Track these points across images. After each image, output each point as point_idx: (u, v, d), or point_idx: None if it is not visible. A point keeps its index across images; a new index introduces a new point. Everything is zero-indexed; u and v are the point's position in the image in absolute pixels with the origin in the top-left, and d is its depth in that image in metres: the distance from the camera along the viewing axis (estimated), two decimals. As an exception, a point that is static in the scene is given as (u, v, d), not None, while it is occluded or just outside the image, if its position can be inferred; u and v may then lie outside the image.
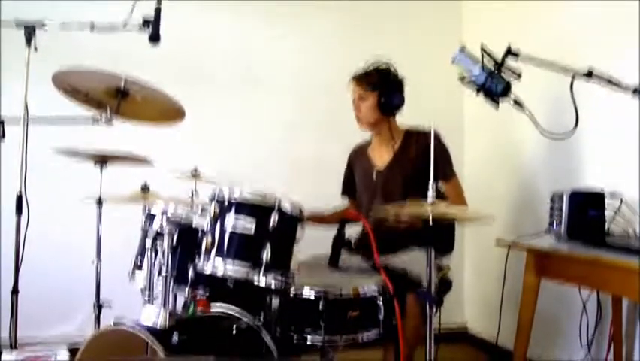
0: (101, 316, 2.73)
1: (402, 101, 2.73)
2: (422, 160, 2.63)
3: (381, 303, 2.00)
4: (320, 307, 1.94)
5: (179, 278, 2.07)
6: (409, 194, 2.63)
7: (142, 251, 2.20)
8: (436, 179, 2.51)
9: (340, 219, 2.15)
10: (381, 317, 1.99)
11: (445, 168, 2.68)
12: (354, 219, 2.55)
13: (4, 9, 3.10)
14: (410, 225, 2.34)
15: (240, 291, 2.20)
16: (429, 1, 3.89)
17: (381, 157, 2.82)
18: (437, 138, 2.65)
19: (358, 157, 2.94)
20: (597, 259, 2.01)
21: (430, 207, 1.81)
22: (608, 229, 2.39)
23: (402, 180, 2.70)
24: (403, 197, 2.63)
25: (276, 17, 3.72)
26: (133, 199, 2.59)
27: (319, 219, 2.77)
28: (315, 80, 3.72)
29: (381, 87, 2.70)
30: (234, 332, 2.00)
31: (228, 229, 1.91)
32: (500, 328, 2.66)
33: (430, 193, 1.85)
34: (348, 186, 3.00)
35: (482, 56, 1.91)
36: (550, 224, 2.41)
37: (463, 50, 1.98)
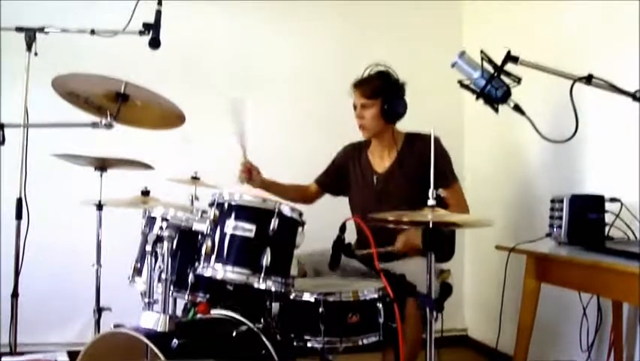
0: (101, 320, 2.73)
1: (405, 109, 2.69)
2: (423, 165, 2.62)
3: (381, 307, 1.99)
4: (320, 310, 1.94)
5: (179, 282, 2.07)
6: (409, 199, 2.62)
7: (142, 255, 2.20)
8: (437, 186, 2.51)
9: (341, 224, 2.13)
10: (381, 320, 1.99)
11: (446, 174, 2.68)
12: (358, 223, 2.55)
13: (5, 14, 3.11)
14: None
15: (239, 295, 2.21)
16: (429, 4, 3.90)
17: (381, 161, 2.80)
18: (437, 143, 2.65)
19: (355, 158, 2.89)
20: (597, 263, 2.01)
21: (431, 213, 1.81)
22: (608, 233, 2.39)
23: (402, 185, 2.68)
24: (404, 202, 2.62)
25: (276, 19, 3.72)
26: (133, 204, 2.60)
27: (270, 186, 2.80)
28: (315, 82, 3.72)
29: (384, 94, 2.66)
30: (234, 335, 2.00)
31: (228, 233, 1.91)
32: (500, 332, 2.66)
33: (431, 198, 1.84)
34: (327, 181, 2.97)
35: (482, 60, 1.91)
36: (551, 228, 2.42)
37: (462, 54, 1.99)
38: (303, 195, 2.93)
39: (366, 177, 2.82)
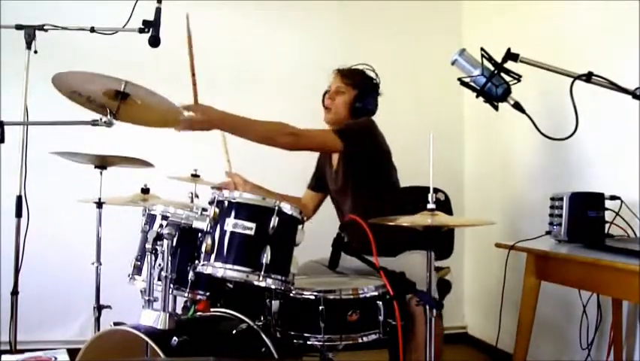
0: (101, 318, 2.73)
1: (374, 110, 2.75)
2: (357, 148, 2.58)
3: (381, 305, 2.00)
4: (320, 308, 1.94)
5: (179, 280, 2.07)
6: (361, 185, 2.62)
7: (142, 253, 2.20)
8: None
9: (341, 223, 2.14)
10: (381, 318, 1.99)
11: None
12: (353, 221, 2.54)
13: (5, 12, 3.11)
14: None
15: (239, 293, 2.21)
16: (429, 3, 3.90)
17: (336, 156, 2.79)
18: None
19: (327, 158, 2.88)
20: (597, 261, 2.00)
21: (431, 216, 1.82)
22: (608, 231, 2.39)
23: (349, 174, 2.67)
24: (359, 190, 2.63)
25: (276, 18, 3.72)
26: (133, 201, 2.60)
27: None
28: (315, 81, 3.71)
29: (361, 88, 2.72)
30: (234, 333, 2.00)
31: (228, 231, 1.91)
32: (500, 330, 2.66)
33: (430, 199, 1.85)
34: (313, 182, 2.99)
35: (482, 58, 1.91)
36: (550, 226, 2.42)
37: (462, 52, 1.99)
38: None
39: (330, 174, 2.82)
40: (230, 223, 1.91)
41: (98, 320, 2.72)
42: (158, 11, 2.29)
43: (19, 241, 2.47)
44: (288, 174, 3.49)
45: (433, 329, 1.79)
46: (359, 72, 2.76)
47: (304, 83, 3.72)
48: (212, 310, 2.14)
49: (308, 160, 3.50)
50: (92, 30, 2.44)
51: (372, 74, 2.77)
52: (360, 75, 2.75)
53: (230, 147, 3.43)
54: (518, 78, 1.91)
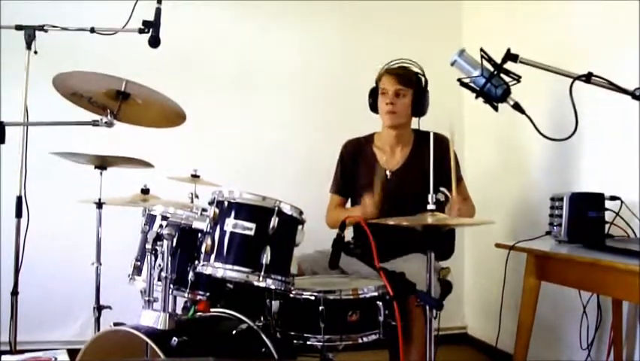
0: (101, 318, 2.73)
1: (428, 106, 2.75)
2: (437, 164, 2.56)
3: (381, 305, 2.00)
4: (320, 308, 1.94)
5: (179, 280, 2.07)
6: (421, 197, 2.57)
7: (142, 253, 2.20)
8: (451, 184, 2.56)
9: (341, 223, 2.12)
10: (381, 319, 1.99)
11: (460, 172, 2.73)
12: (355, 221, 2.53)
13: (5, 12, 3.11)
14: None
15: (240, 293, 2.21)
16: (429, 3, 3.89)
17: (392, 157, 2.76)
18: (447, 142, 2.68)
19: (359, 154, 2.80)
20: (597, 261, 2.01)
21: (433, 215, 1.83)
22: (608, 231, 2.39)
23: (416, 182, 2.58)
24: (418, 199, 2.58)
25: (275, 18, 3.72)
26: (133, 202, 2.60)
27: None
28: (315, 81, 3.72)
29: (417, 87, 2.71)
30: (234, 333, 2.00)
31: (228, 231, 1.91)
32: (500, 331, 2.66)
33: (430, 203, 1.85)
34: (344, 184, 2.83)
35: (482, 59, 1.91)
36: (551, 226, 2.42)
37: (462, 52, 1.98)
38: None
39: (375, 174, 2.67)
40: (230, 224, 1.92)
41: (98, 320, 2.72)
42: (158, 11, 2.29)
43: (19, 241, 2.47)
44: (286, 179, 3.51)
45: (433, 329, 1.80)
46: (410, 70, 2.74)
47: (304, 82, 3.73)
48: (212, 310, 2.14)
49: (308, 163, 3.53)
50: (92, 30, 2.44)
51: (420, 68, 2.77)
52: (412, 72, 2.73)
53: (230, 154, 3.44)
54: (518, 79, 1.91)
